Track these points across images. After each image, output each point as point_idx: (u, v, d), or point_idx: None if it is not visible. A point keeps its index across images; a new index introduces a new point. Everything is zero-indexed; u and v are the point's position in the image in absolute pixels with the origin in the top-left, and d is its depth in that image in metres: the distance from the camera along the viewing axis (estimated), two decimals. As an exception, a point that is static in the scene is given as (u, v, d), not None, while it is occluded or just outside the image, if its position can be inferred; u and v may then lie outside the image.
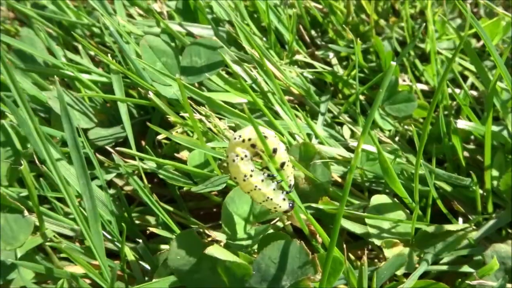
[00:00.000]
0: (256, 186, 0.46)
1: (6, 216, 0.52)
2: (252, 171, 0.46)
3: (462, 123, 0.63)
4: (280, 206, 0.48)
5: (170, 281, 0.49)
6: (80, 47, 0.82)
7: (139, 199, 0.71)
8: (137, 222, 0.66)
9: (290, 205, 0.49)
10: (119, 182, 0.70)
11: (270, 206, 0.48)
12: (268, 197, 0.47)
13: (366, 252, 0.50)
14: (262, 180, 0.46)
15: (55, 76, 0.56)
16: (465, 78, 0.81)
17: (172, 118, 0.60)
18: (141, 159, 0.65)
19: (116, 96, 0.66)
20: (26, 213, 0.52)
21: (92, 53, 0.83)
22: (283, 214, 0.50)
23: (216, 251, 0.45)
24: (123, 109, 0.65)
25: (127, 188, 0.71)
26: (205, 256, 0.47)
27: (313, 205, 0.56)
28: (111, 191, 0.67)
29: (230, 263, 0.47)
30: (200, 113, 0.60)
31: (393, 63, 0.44)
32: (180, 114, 0.62)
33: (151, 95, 0.62)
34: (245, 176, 0.45)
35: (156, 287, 0.49)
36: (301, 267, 0.47)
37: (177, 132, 0.61)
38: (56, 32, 0.83)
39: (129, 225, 0.63)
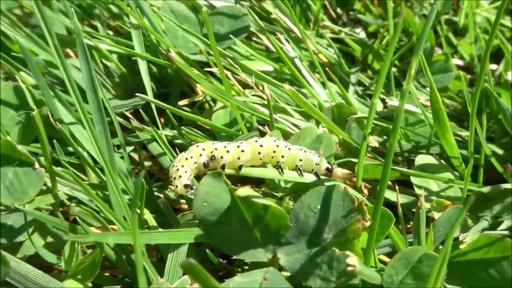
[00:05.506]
0: None
1: (15, 169, 0.48)
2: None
3: (513, 76, 0.57)
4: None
5: (195, 233, 0.43)
6: (99, 25, 0.80)
7: (157, 176, 0.66)
8: (156, 194, 0.61)
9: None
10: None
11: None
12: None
13: (423, 198, 0.43)
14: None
15: (77, 42, 0.52)
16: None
17: (195, 71, 0.56)
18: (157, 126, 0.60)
19: (135, 51, 0.62)
20: (36, 165, 0.48)
21: (111, 32, 0.81)
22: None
23: (248, 192, 0.39)
24: (143, 66, 0.62)
25: (146, 163, 0.66)
26: (234, 205, 0.41)
27: (353, 160, 0.50)
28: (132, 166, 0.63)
29: (263, 211, 0.41)
30: (227, 69, 0.56)
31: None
32: (205, 69, 0.58)
33: (172, 53, 0.58)
34: None
35: (181, 235, 0.42)
36: (345, 216, 0.40)
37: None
38: (76, 11, 0.81)
39: (148, 194, 0.58)
